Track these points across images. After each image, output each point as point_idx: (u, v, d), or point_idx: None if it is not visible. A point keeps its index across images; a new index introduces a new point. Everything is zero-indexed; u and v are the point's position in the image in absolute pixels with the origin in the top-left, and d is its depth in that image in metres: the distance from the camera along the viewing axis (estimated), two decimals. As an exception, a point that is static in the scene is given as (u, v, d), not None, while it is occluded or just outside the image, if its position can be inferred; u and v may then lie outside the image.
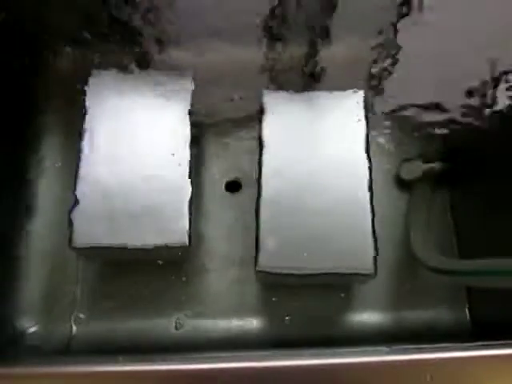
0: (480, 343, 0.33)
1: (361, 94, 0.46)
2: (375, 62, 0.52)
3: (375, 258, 0.41)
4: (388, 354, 0.33)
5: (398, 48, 0.51)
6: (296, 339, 0.45)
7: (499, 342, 0.32)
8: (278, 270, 0.41)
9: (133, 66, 0.51)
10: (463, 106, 0.49)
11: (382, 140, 0.52)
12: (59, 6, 0.48)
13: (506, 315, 0.41)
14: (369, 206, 0.42)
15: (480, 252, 0.44)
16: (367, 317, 0.47)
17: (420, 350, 0.32)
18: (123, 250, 0.41)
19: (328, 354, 0.32)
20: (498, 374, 0.32)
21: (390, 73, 0.52)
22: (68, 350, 0.45)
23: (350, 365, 0.31)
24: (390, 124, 0.52)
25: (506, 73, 0.47)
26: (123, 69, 0.46)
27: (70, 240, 0.41)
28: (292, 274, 0.41)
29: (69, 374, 0.31)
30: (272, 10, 0.49)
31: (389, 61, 0.51)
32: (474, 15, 0.46)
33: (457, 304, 0.47)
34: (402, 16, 0.48)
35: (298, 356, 0.32)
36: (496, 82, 0.47)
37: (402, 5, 0.48)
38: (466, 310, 0.47)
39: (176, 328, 0.46)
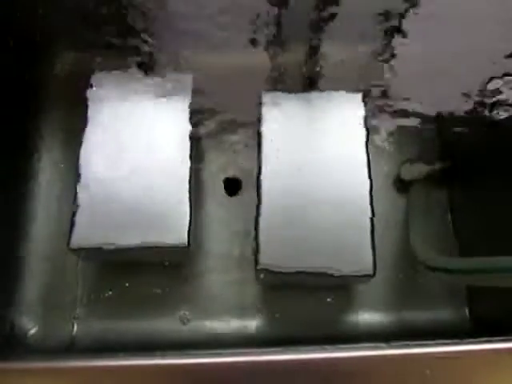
0: (478, 339, 0.33)
1: (360, 95, 0.46)
2: (374, 63, 0.52)
3: (374, 258, 0.41)
4: (387, 348, 0.33)
5: (398, 50, 0.51)
6: (296, 339, 0.45)
7: (498, 338, 0.32)
8: (278, 269, 0.41)
9: (133, 67, 0.51)
10: (462, 107, 0.50)
11: (381, 141, 0.52)
12: (61, 9, 0.48)
13: (506, 313, 0.41)
14: (368, 206, 0.42)
15: (479, 251, 0.44)
16: (367, 316, 0.47)
17: (419, 345, 0.32)
18: (123, 251, 0.41)
19: (328, 348, 0.32)
20: (496, 367, 0.32)
21: (390, 74, 0.52)
22: (69, 350, 0.44)
23: (349, 359, 0.31)
24: (390, 125, 0.52)
25: (505, 74, 0.47)
26: (124, 70, 0.47)
27: (69, 241, 0.41)
28: (291, 273, 0.41)
29: (69, 368, 0.31)
30: (272, 13, 0.49)
31: (388, 62, 0.51)
32: (474, 16, 0.47)
33: (457, 303, 0.47)
34: (401, 18, 0.49)
35: (298, 351, 0.32)
36: (496, 82, 0.47)
37: (401, 7, 0.48)
38: (466, 309, 0.47)
39: (176, 327, 0.46)
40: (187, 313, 0.46)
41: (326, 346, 0.32)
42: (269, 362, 0.32)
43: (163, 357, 0.31)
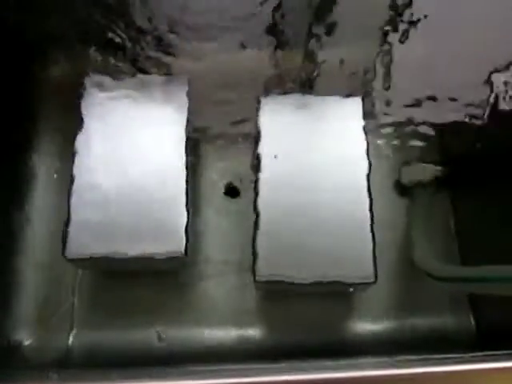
0: (484, 353, 0.32)
1: (359, 98, 0.45)
2: (373, 66, 0.51)
3: (375, 266, 0.40)
4: (392, 367, 0.32)
5: (395, 52, 0.50)
6: (295, 348, 0.44)
7: (504, 352, 0.32)
8: (277, 279, 0.40)
9: (129, 70, 0.50)
10: (464, 110, 0.49)
11: (381, 145, 0.52)
12: (56, 14, 0.48)
13: (510, 322, 0.41)
14: (368, 212, 0.42)
15: (482, 259, 0.43)
16: (368, 325, 0.46)
17: (424, 363, 0.32)
18: (119, 260, 0.40)
19: (331, 366, 0.32)
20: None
21: (389, 77, 0.51)
22: (64, 362, 0.44)
23: (353, 379, 0.31)
24: (389, 128, 0.52)
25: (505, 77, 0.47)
26: (119, 73, 0.46)
27: (64, 251, 0.40)
28: (291, 283, 0.40)
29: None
30: (270, 16, 0.48)
31: (386, 65, 0.51)
32: (471, 16, 0.46)
33: (460, 310, 0.47)
34: (398, 20, 0.48)
35: (298, 370, 0.32)
36: (496, 83, 0.47)
37: (398, 9, 0.48)
38: (469, 317, 0.47)
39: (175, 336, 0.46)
40: (185, 322, 0.46)
41: (328, 363, 0.32)
42: (270, 381, 0.31)
43: (160, 377, 0.31)
